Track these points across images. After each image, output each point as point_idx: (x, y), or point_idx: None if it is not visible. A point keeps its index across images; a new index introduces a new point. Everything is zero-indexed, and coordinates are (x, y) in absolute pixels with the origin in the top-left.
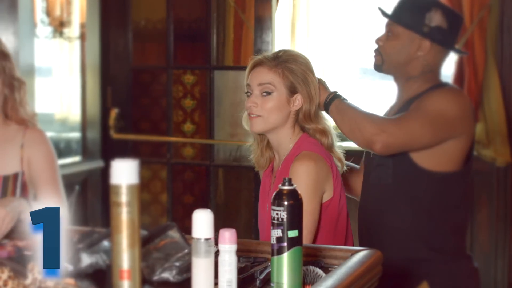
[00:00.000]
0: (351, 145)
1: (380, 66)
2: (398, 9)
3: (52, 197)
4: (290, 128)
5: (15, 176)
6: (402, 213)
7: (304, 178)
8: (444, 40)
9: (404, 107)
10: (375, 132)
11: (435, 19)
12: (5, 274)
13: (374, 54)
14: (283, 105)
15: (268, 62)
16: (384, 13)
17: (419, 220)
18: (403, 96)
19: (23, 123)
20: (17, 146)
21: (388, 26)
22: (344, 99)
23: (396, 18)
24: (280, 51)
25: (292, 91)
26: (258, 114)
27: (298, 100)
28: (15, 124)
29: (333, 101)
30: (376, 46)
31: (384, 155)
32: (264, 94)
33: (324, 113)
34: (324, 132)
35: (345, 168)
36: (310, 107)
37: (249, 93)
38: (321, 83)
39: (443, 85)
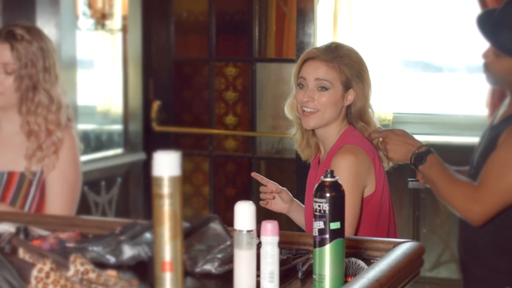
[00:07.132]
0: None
1: (494, 82)
2: (499, 32)
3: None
4: (340, 123)
5: (33, 174)
6: (488, 227)
7: (344, 172)
8: None
9: None
10: (467, 208)
11: None
12: (47, 266)
13: (483, 69)
14: (338, 100)
15: (322, 56)
16: (485, 35)
17: (505, 235)
18: None
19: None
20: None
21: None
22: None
23: (501, 47)
24: (332, 43)
25: (347, 86)
26: (315, 108)
27: (350, 95)
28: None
29: (427, 155)
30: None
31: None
32: (320, 89)
33: (372, 108)
34: (369, 125)
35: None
36: (364, 104)
37: (301, 85)
38: (407, 134)
39: None
